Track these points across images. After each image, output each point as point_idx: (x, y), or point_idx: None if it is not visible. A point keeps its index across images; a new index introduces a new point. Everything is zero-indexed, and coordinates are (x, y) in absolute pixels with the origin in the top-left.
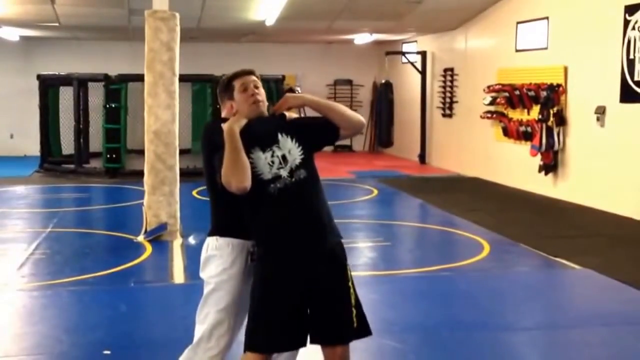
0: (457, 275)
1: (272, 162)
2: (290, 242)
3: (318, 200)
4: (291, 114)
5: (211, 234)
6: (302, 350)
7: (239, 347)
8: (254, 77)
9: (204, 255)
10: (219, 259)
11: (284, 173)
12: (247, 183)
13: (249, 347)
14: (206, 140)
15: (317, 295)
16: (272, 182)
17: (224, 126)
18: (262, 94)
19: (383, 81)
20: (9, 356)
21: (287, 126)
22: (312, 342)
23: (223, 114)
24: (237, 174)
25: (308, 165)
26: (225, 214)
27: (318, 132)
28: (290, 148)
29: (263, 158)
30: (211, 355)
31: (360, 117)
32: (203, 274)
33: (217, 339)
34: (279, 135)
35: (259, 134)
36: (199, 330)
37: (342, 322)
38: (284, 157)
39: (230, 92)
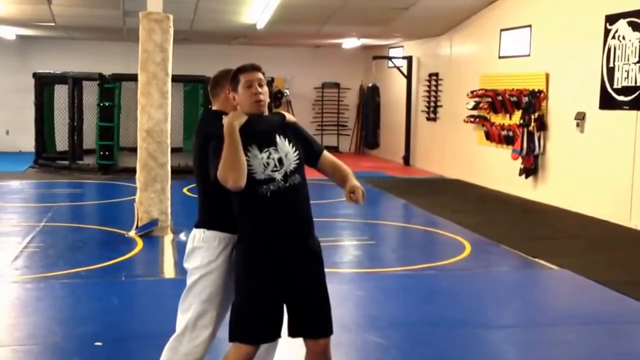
0: (439, 273)
1: (268, 163)
2: (278, 240)
3: (306, 204)
4: (291, 117)
5: (198, 225)
6: (287, 343)
7: (219, 341)
8: (259, 75)
9: (189, 246)
10: (205, 251)
11: (278, 176)
12: (244, 182)
13: (234, 337)
14: (201, 129)
15: (301, 290)
16: (264, 183)
17: (224, 120)
18: (265, 93)
19: (370, 85)
20: (2, 346)
21: (286, 129)
22: (295, 335)
23: (217, 106)
24: (234, 173)
25: (301, 170)
26: (214, 206)
27: (306, 148)
28: (287, 152)
29: (259, 158)
30: (195, 344)
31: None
32: (187, 265)
33: (200, 329)
34: (277, 137)
35: (258, 132)
36: (183, 320)
37: (325, 316)
38: (280, 160)
39: (235, 84)
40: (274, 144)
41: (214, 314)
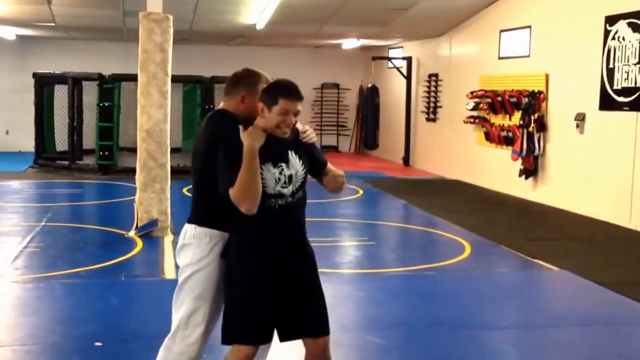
0: (439, 274)
1: (279, 179)
2: (278, 246)
3: (304, 214)
4: (302, 129)
5: (190, 221)
6: (287, 343)
7: (220, 342)
8: (298, 107)
9: (180, 242)
10: (196, 248)
11: (286, 192)
12: (257, 208)
13: (235, 339)
14: (209, 127)
15: (300, 292)
16: (273, 197)
17: (244, 139)
18: (295, 122)
19: (369, 85)
20: (2, 346)
21: (298, 145)
22: (293, 337)
23: (226, 105)
24: (251, 200)
25: (305, 186)
26: (207, 204)
27: (312, 163)
28: (297, 169)
29: (272, 172)
30: (189, 343)
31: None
32: (178, 261)
33: (193, 327)
34: (290, 154)
35: (274, 149)
36: (176, 318)
37: (324, 315)
38: (290, 177)
39: (270, 103)
40: (286, 160)
41: (207, 311)
